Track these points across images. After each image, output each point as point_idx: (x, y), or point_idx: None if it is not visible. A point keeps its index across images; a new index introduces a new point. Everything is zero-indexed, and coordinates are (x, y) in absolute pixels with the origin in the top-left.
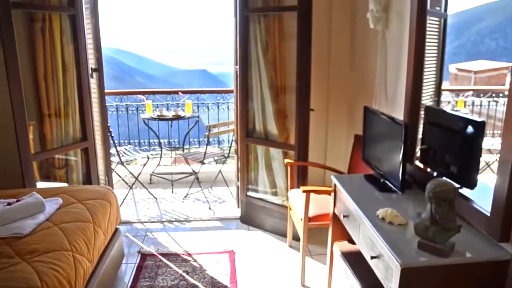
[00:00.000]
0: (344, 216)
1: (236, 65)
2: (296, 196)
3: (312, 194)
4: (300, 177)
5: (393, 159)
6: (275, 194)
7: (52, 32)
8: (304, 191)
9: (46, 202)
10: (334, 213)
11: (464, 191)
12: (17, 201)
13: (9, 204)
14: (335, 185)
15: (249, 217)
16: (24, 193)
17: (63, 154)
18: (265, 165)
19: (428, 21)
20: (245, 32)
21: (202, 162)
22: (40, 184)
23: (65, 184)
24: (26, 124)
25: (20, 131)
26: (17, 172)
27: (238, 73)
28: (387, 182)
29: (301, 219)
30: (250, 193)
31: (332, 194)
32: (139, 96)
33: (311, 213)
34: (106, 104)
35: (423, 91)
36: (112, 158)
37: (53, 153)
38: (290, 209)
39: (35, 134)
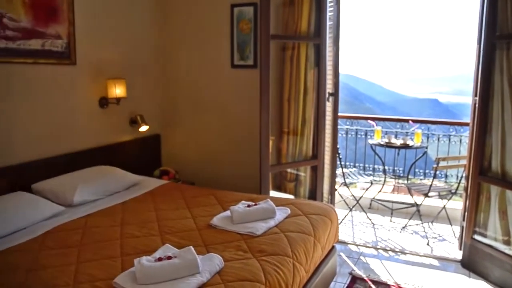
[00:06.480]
0: None
1: (476, 96)
2: None
3: None
4: None
5: None
6: (507, 243)
7: (299, 59)
8: None
9: (277, 210)
10: None
11: None
12: (254, 204)
13: (248, 206)
14: None
15: (472, 263)
16: (260, 199)
17: (294, 169)
18: (498, 209)
19: None
20: (489, 61)
21: (426, 195)
22: (272, 193)
23: (293, 197)
24: (268, 140)
25: (263, 145)
26: (256, 179)
27: (476, 104)
28: None
29: None
30: (476, 237)
31: None
32: (369, 121)
33: None
34: (338, 126)
35: None
36: (336, 179)
37: (286, 167)
38: None
39: (273, 148)
